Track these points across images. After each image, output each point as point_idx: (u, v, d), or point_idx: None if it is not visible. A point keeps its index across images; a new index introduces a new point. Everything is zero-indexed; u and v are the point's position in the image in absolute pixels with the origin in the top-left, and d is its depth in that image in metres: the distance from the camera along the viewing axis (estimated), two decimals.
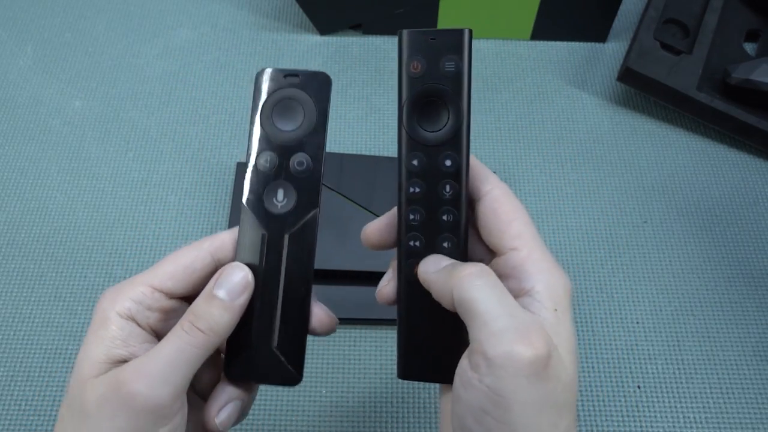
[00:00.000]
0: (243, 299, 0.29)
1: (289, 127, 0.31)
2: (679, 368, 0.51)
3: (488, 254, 0.31)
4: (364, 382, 0.50)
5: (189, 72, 0.66)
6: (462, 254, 0.30)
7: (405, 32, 0.29)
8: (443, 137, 0.29)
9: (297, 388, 0.49)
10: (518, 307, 0.26)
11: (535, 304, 0.27)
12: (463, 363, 0.26)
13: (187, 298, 0.31)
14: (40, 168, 0.60)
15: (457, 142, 0.29)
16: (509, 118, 0.63)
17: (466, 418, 0.26)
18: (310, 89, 0.31)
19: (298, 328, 0.31)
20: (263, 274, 0.31)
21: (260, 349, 0.31)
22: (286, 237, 0.31)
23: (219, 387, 0.31)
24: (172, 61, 0.67)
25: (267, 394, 0.49)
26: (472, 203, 0.31)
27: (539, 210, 0.58)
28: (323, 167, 0.31)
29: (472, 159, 0.30)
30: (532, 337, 0.25)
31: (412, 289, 0.30)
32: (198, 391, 0.32)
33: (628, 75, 0.61)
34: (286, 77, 0.31)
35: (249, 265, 0.30)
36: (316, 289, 0.31)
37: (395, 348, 0.51)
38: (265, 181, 0.31)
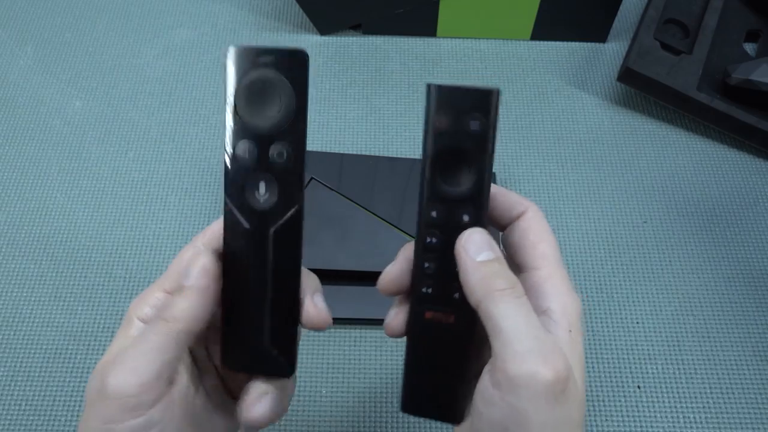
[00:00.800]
0: (200, 283, 0.29)
1: (266, 113, 0.28)
2: (679, 368, 0.51)
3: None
4: (364, 382, 0.50)
5: (189, 72, 0.66)
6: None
7: (434, 86, 0.29)
8: (464, 194, 0.29)
9: (297, 387, 0.49)
10: (542, 330, 0.27)
11: (552, 324, 0.28)
12: (485, 380, 0.27)
13: None
14: (40, 168, 0.60)
15: (476, 199, 0.29)
16: (509, 119, 0.63)
17: None
18: (287, 70, 0.28)
19: (288, 322, 0.31)
20: (251, 270, 0.30)
21: (252, 342, 0.31)
22: (271, 232, 0.30)
23: (251, 384, 0.32)
24: (172, 61, 0.67)
25: None
26: (503, 224, 0.32)
27: None
28: (306, 158, 0.29)
29: (502, 189, 0.31)
30: (554, 360, 0.26)
31: (422, 333, 0.30)
32: (236, 397, 0.33)
33: (628, 75, 0.61)
34: (259, 56, 0.28)
35: (236, 261, 0.30)
36: None
37: (395, 347, 0.52)
38: (245, 173, 0.29)
